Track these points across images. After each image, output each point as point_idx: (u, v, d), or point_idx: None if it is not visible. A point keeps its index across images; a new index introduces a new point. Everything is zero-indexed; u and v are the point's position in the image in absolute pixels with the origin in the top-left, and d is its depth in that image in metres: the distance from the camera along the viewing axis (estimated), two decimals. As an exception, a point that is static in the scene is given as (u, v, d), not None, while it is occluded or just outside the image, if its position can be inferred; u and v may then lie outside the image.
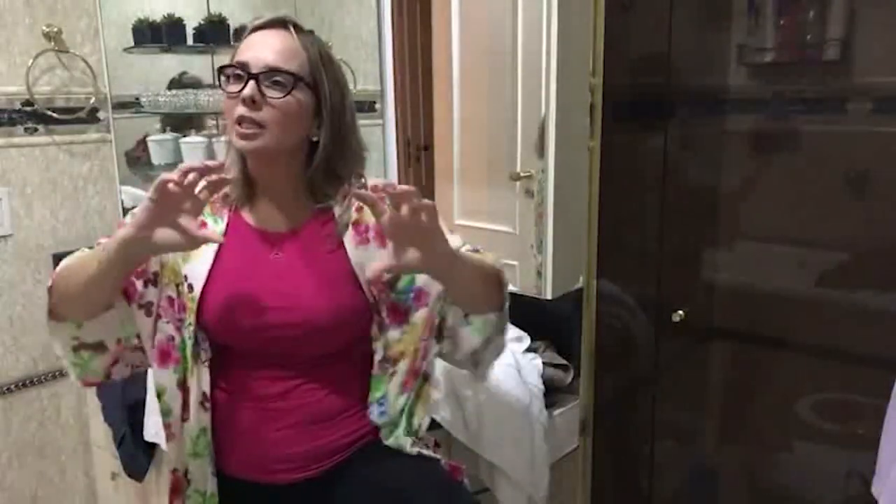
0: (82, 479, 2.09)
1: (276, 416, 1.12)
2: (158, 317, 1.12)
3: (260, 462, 1.12)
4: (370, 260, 1.10)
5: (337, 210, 1.14)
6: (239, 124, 1.05)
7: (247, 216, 1.16)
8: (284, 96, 1.05)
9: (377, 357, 1.18)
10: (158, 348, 1.13)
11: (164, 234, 0.97)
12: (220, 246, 1.11)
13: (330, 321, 1.11)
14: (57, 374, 1.99)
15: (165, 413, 1.14)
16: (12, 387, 1.91)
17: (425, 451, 1.21)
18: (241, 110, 1.05)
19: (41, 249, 1.93)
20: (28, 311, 1.92)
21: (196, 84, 2.10)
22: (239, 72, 1.06)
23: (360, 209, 1.15)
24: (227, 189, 1.12)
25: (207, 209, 1.12)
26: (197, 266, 1.11)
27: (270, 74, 1.05)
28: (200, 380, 1.12)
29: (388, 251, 0.98)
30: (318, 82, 1.09)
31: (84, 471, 2.09)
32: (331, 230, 1.14)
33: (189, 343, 1.11)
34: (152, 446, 1.69)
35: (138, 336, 1.15)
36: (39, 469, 2.00)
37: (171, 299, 1.11)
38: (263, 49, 1.06)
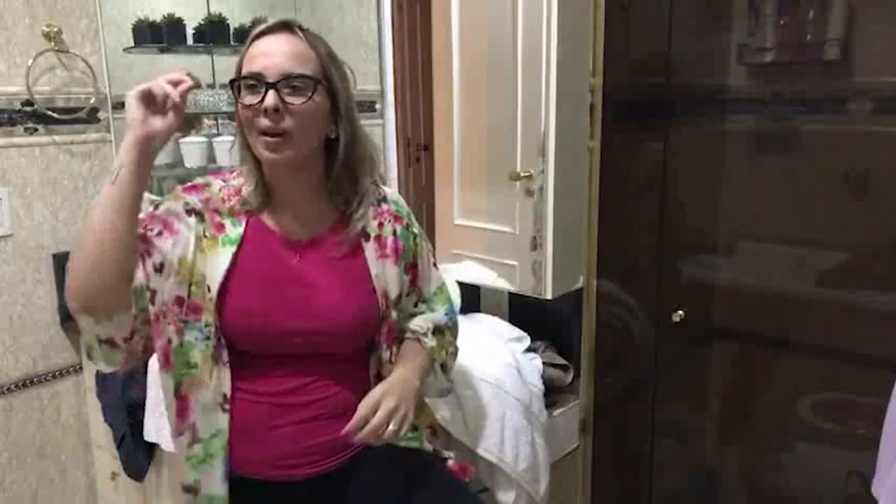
0: (82, 479, 2.09)
1: (289, 411, 1.12)
2: (163, 316, 1.06)
3: (273, 458, 1.12)
4: (387, 275, 1.17)
5: (354, 216, 1.15)
6: (264, 135, 1.05)
7: (268, 221, 1.15)
8: (305, 102, 1.05)
9: (371, 372, 1.20)
10: (161, 350, 1.10)
11: (159, 120, 1.02)
12: (239, 248, 1.11)
13: (348, 327, 1.14)
14: (57, 374, 1.99)
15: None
16: (12, 387, 1.91)
17: (440, 450, 1.24)
18: (264, 122, 1.04)
19: (41, 249, 1.93)
20: (28, 311, 1.92)
21: (195, 84, 2.10)
22: (254, 82, 1.05)
23: (381, 225, 1.18)
24: (245, 195, 1.13)
25: (226, 212, 1.13)
26: (214, 266, 1.09)
27: (288, 81, 1.04)
28: (221, 382, 1.11)
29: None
30: (331, 80, 1.09)
31: (84, 471, 2.08)
32: (349, 236, 1.16)
33: (209, 345, 1.09)
34: (152, 446, 1.69)
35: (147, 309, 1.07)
36: (39, 469, 2.00)
37: (180, 299, 1.07)
38: (276, 56, 1.05)
